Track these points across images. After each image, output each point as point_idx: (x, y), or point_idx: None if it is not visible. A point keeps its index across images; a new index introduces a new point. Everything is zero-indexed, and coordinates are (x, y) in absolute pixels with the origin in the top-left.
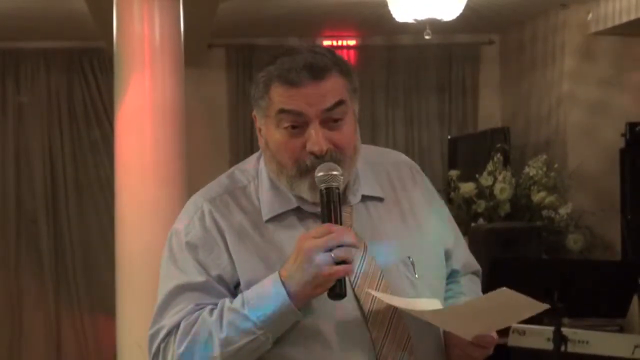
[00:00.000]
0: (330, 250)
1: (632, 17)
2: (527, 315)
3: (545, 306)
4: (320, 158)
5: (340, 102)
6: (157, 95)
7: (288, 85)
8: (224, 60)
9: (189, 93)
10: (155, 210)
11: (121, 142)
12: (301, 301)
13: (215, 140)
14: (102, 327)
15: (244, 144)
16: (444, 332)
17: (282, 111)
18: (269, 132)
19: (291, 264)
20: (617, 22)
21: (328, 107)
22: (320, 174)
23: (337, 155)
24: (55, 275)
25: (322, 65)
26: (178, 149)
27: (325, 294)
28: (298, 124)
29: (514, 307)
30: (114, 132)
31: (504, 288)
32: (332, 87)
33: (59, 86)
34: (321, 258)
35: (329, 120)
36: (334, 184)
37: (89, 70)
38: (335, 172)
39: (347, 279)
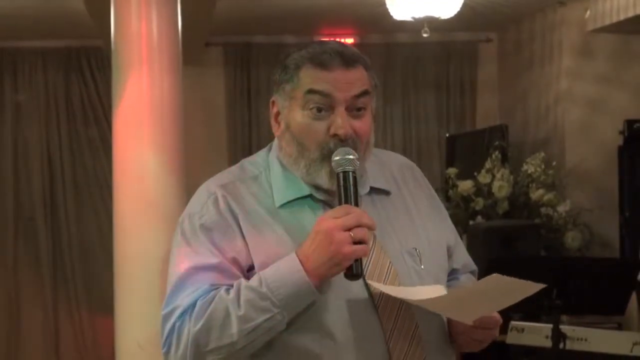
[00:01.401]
0: (349, 230)
1: (630, 14)
2: (523, 296)
3: (540, 286)
4: (343, 142)
5: (366, 92)
6: (154, 94)
7: (320, 67)
8: (221, 58)
9: (186, 91)
10: (153, 208)
11: (119, 140)
12: (319, 280)
13: (213, 138)
14: (101, 325)
15: (242, 142)
16: (449, 319)
17: (311, 91)
18: (293, 114)
19: (309, 244)
20: (614, 19)
21: (356, 94)
22: (337, 157)
23: (356, 142)
24: (53, 273)
25: (351, 55)
26: (176, 147)
27: (337, 278)
28: (324, 107)
29: (508, 290)
30: (111, 131)
31: (495, 274)
32: (360, 77)
33: (57, 85)
34: (341, 237)
35: (353, 108)
36: (349, 167)
37: (86, 69)
38: (351, 156)
39: (361, 267)
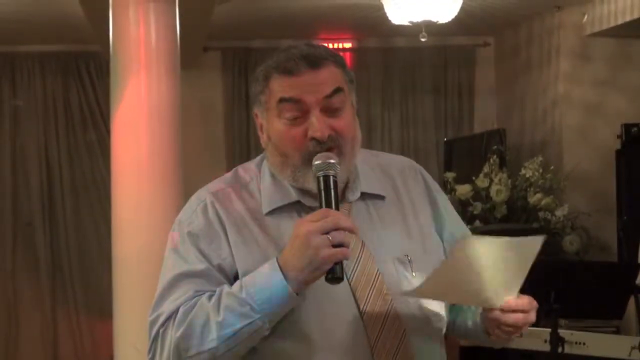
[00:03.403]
0: (328, 233)
1: (627, 18)
2: (533, 255)
3: (540, 239)
4: (322, 144)
5: (338, 90)
6: (153, 98)
7: (287, 75)
8: (219, 63)
9: (184, 96)
10: (151, 212)
11: (117, 144)
12: (299, 285)
13: (211, 142)
14: (99, 329)
15: (239, 146)
16: (482, 318)
17: (282, 100)
18: (271, 124)
19: (289, 249)
20: (612, 23)
21: (327, 94)
22: (318, 162)
23: (338, 140)
24: (52, 277)
25: (318, 55)
26: (174, 151)
27: (322, 282)
28: (299, 113)
29: (515, 253)
30: (110, 135)
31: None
32: (330, 76)
33: (55, 89)
34: (319, 241)
35: (329, 109)
36: (330, 171)
37: (85, 74)
38: (332, 161)
39: (344, 271)
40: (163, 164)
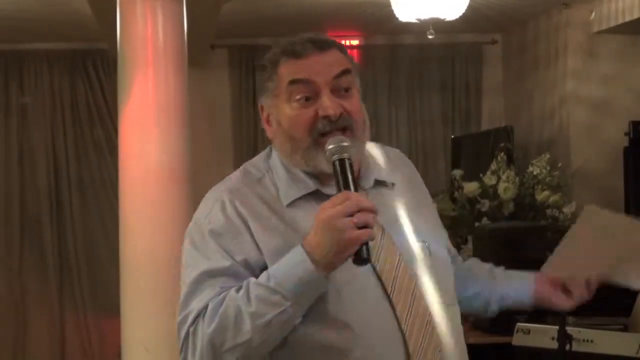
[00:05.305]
0: (351, 215)
1: (635, 15)
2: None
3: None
4: (333, 122)
5: (346, 71)
6: (160, 96)
7: (295, 58)
8: (226, 60)
9: (192, 93)
10: (159, 210)
11: (125, 142)
12: (326, 269)
13: (218, 139)
14: (107, 327)
15: (247, 143)
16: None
17: (292, 82)
18: (281, 110)
19: (313, 235)
20: (620, 21)
21: (336, 74)
22: (331, 146)
23: (348, 120)
24: (59, 275)
25: (324, 40)
26: (182, 149)
27: (347, 269)
28: (309, 95)
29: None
30: (117, 132)
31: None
32: (336, 58)
33: (63, 87)
34: (343, 223)
35: (340, 89)
36: (345, 154)
37: (92, 72)
38: (345, 143)
39: (370, 251)
40: (171, 161)
